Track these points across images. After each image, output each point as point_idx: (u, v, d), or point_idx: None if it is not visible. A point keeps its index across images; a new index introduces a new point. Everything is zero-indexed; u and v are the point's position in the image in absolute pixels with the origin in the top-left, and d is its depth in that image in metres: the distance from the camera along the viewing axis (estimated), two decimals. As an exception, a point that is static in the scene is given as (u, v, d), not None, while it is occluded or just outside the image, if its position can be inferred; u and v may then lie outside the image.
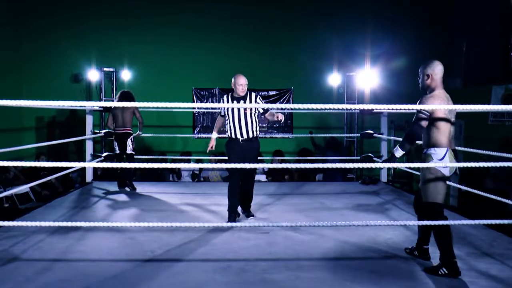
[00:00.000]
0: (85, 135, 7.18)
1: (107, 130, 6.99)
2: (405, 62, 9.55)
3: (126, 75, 9.96)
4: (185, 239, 4.12)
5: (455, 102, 3.38)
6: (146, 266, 3.51)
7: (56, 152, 9.36)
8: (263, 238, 4.20)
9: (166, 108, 5.55)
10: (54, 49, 9.89)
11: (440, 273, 3.27)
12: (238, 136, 4.73)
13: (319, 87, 10.25)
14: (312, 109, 3.06)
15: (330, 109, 6.14)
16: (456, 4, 10.42)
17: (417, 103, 3.39)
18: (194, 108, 9.93)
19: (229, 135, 4.79)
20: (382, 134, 7.37)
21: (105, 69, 9.74)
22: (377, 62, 9.78)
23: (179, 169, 8.91)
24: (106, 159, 7.01)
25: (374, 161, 6.90)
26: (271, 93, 10.33)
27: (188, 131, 10.16)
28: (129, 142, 6.55)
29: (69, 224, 3.34)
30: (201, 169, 8.96)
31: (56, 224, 3.73)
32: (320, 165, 3.33)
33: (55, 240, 4.05)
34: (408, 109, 3.63)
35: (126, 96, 6.51)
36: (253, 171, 5.00)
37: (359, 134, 8.15)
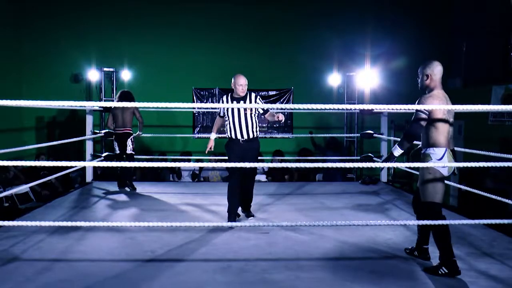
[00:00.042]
0: (85, 135, 7.18)
1: (107, 130, 6.99)
2: (405, 62, 9.55)
3: (126, 75, 9.96)
4: (185, 239, 4.12)
5: (455, 102, 3.38)
6: (146, 266, 3.51)
7: (56, 152, 9.36)
8: (263, 238, 4.20)
9: (166, 108, 5.55)
10: (54, 49, 9.89)
11: (440, 272, 3.27)
12: (239, 136, 4.72)
13: (319, 87, 10.25)
14: (312, 109, 3.06)
15: (330, 109, 6.11)
16: (456, 4, 10.42)
17: (416, 102, 3.41)
18: (194, 108, 9.93)
19: (229, 136, 4.78)
20: (382, 134, 7.37)
21: (105, 69, 9.74)
22: (377, 62, 9.78)
23: (179, 169, 8.91)
24: (106, 159, 7.01)
25: (374, 161, 6.90)
26: (271, 93, 10.33)
27: (188, 131, 10.17)
28: (129, 142, 6.55)
29: (69, 224, 3.34)
30: (201, 169, 8.96)
31: (56, 224, 3.73)
32: (320, 165, 3.33)
33: (55, 240, 4.05)
34: (408, 109, 3.64)
35: (126, 96, 6.51)
36: (254, 171, 4.99)
37: (359, 134, 8.15)
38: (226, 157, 5.00)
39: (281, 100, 10.34)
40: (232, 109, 4.68)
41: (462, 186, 5.50)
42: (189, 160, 9.01)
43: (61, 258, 3.63)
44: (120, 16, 10.02)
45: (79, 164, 3.36)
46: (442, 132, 3.33)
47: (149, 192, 6.39)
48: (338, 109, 8.71)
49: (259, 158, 5.85)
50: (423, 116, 3.31)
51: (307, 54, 10.03)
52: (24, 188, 6.48)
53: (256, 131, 4.80)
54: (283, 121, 4.60)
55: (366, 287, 3.13)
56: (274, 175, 8.84)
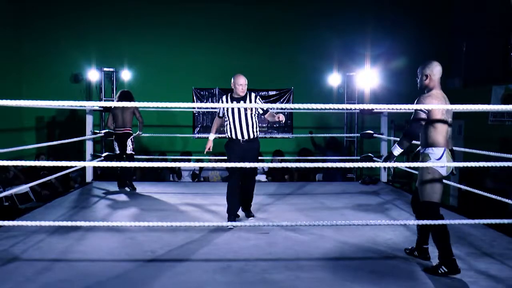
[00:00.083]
0: (85, 135, 7.18)
1: (107, 130, 6.99)
2: (405, 62, 9.55)
3: (126, 75, 9.96)
4: (185, 239, 4.12)
5: (455, 102, 3.39)
6: (146, 266, 3.51)
7: (56, 152, 9.36)
8: (263, 238, 4.20)
9: (166, 108, 5.55)
10: (54, 49, 9.89)
11: (440, 272, 3.27)
12: (239, 136, 4.71)
13: (319, 87, 10.25)
14: (312, 109, 3.06)
15: (330, 109, 6.11)
16: (456, 4, 10.42)
17: (415, 102, 3.43)
18: (194, 108, 9.93)
19: (229, 136, 4.76)
20: (382, 134, 7.37)
21: (105, 69, 9.75)
22: (377, 62, 9.78)
23: (179, 169, 8.91)
24: (106, 159, 7.00)
25: (374, 161, 6.90)
26: (271, 93, 10.33)
27: (188, 131, 10.17)
28: (129, 142, 6.55)
29: (69, 224, 3.34)
30: (201, 169, 8.96)
31: (56, 224, 3.73)
32: (320, 165, 3.33)
33: (55, 240, 4.05)
34: (408, 109, 3.64)
35: (125, 96, 6.50)
36: (254, 171, 4.98)
37: (359, 134, 8.15)
38: (226, 157, 4.99)
39: (281, 100, 10.34)
40: (232, 109, 4.66)
41: (462, 186, 5.50)
42: (189, 160, 9.01)
43: (61, 258, 3.63)
44: (120, 16, 10.03)
45: (79, 164, 3.36)
46: (440, 132, 3.34)
47: (149, 192, 6.39)
48: (338, 109, 8.71)
49: (259, 158, 5.84)
50: (423, 115, 3.33)
51: (307, 54, 10.03)
52: (24, 188, 6.48)
53: (256, 131, 4.79)
54: (283, 121, 4.58)
55: (366, 287, 3.13)
56: (274, 175, 8.84)
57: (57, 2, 10.04)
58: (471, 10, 9.86)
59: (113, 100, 9.12)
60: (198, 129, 10.30)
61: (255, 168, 5.18)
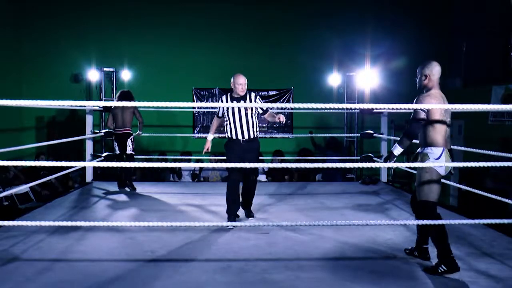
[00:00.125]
0: (85, 135, 7.18)
1: (107, 130, 6.99)
2: (405, 62, 9.55)
3: (126, 75, 9.96)
4: (185, 239, 4.12)
5: (455, 102, 3.39)
6: (146, 266, 3.51)
7: (56, 152, 9.36)
8: (263, 238, 4.20)
9: (166, 108, 5.55)
10: (54, 49, 9.89)
11: (439, 271, 3.28)
12: (239, 136, 4.68)
13: (319, 87, 10.25)
14: (312, 109, 3.06)
15: (330, 109, 6.12)
16: (456, 4, 10.42)
17: (414, 101, 3.46)
18: (194, 108, 9.93)
19: (229, 136, 4.73)
20: (382, 134, 7.37)
21: (105, 69, 9.75)
22: (377, 62, 9.78)
23: (179, 168, 8.91)
24: (106, 159, 7.00)
25: (374, 161, 6.90)
26: (271, 93, 10.33)
27: (188, 131, 10.17)
28: (129, 143, 6.55)
29: (69, 224, 3.34)
30: (201, 169, 8.96)
31: (56, 224, 3.73)
32: (320, 165, 3.33)
33: (55, 240, 4.05)
34: (408, 109, 3.65)
35: (125, 96, 6.50)
36: (255, 170, 4.94)
37: (359, 134, 8.15)
38: (226, 157, 4.97)
39: (281, 100, 10.34)
40: (232, 108, 4.64)
41: (462, 186, 5.50)
42: (189, 160, 9.01)
43: (61, 258, 3.63)
44: (120, 16, 10.03)
45: (79, 164, 3.36)
46: (439, 132, 3.37)
47: (149, 192, 6.39)
48: (338, 109, 8.71)
49: (259, 158, 5.83)
50: (423, 115, 3.35)
51: (307, 54, 10.03)
52: (24, 188, 6.48)
53: (256, 131, 4.77)
54: (284, 122, 4.57)
55: (366, 287, 3.13)
56: (274, 175, 8.84)
57: (57, 2, 10.05)
58: (471, 10, 9.86)
59: (113, 100, 9.12)
60: (198, 129, 10.30)
61: (257, 168, 5.16)
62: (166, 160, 8.92)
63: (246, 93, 4.70)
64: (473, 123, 8.82)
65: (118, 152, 6.61)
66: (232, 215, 4.72)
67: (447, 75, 9.77)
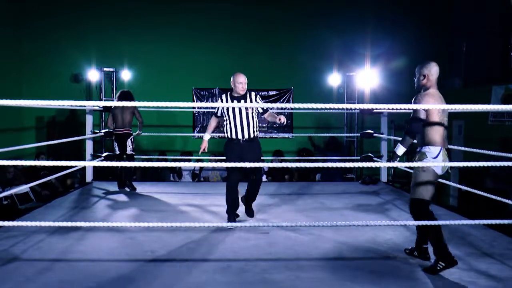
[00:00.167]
0: (85, 135, 7.18)
1: (107, 130, 6.99)
2: (405, 62, 9.56)
3: (126, 75, 9.97)
4: (185, 239, 4.11)
5: (455, 102, 3.40)
6: (146, 266, 3.51)
7: (56, 152, 9.37)
8: (263, 238, 4.20)
9: (166, 108, 5.56)
10: (54, 49, 9.90)
11: (438, 268, 3.30)
12: (239, 136, 4.65)
13: (319, 87, 10.26)
14: (312, 109, 3.06)
15: (330, 109, 6.12)
16: (456, 4, 10.42)
17: (413, 100, 3.48)
18: (194, 108, 9.94)
19: (229, 136, 4.69)
20: (382, 134, 7.37)
21: (105, 69, 9.75)
22: (377, 62, 9.78)
23: (179, 168, 8.92)
24: (106, 160, 7.00)
25: (374, 161, 6.90)
26: (271, 93, 10.33)
27: (188, 131, 10.18)
28: (129, 143, 6.55)
29: (69, 224, 3.34)
30: (201, 169, 8.96)
31: (56, 224, 3.72)
32: (320, 165, 3.33)
33: (55, 240, 4.05)
34: (408, 109, 3.66)
35: (125, 96, 6.49)
36: (257, 171, 4.85)
37: (359, 134, 8.15)
38: (225, 157, 4.92)
39: (281, 100, 10.35)
40: (233, 108, 4.62)
41: (462, 186, 5.50)
42: (189, 160, 9.02)
43: (61, 258, 3.63)
44: (120, 16, 10.03)
45: (79, 164, 3.36)
46: (437, 131, 3.39)
47: (149, 192, 6.39)
48: (338, 109, 8.71)
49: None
50: (423, 113, 3.37)
51: (307, 54, 10.03)
52: (24, 188, 6.48)
53: (257, 131, 4.73)
54: (284, 123, 4.54)
55: (366, 287, 3.13)
56: (274, 175, 8.84)
57: (57, 2, 10.05)
58: (471, 10, 9.87)
59: (113, 100, 9.12)
60: (198, 129, 10.31)
61: (260, 168, 5.06)
62: (166, 160, 8.92)
63: (246, 92, 4.66)
64: (473, 123, 8.82)
65: (118, 152, 6.61)
66: (232, 215, 4.71)
67: (447, 75, 9.81)
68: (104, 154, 7.15)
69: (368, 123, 9.76)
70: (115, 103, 3.30)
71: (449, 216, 4.93)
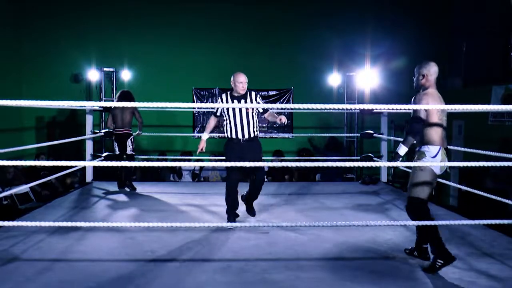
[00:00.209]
0: (85, 135, 7.18)
1: (107, 130, 6.99)
2: (405, 62, 9.56)
3: (126, 75, 9.97)
4: (185, 239, 4.12)
5: (455, 102, 3.40)
6: (146, 266, 3.51)
7: (56, 152, 9.36)
8: (263, 238, 4.20)
9: (166, 108, 5.55)
10: (54, 49, 9.90)
11: (437, 265, 3.31)
12: (240, 136, 4.64)
13: (319, 87, 10.26)
14: (312, 109, 3.06)
15: (330, 109, 6.12)
16: (456, 4, 10.42)
17: (412, 99, 3.50)
18: (194, 108, 9.94)
19: (229, 136, 4.68)
20: (382, 134, 7.37)
21: (105, 69, 9.75)
22: (377, 62, 9.78)
23: (179, 168, 8.92)
24: (106, 160, 6.99)
25: (374, 161, 6.89)
26: (271, 93, 10.33)
27: (188, 131, 10.18)
28: (129, 143, 6.54)
29: (69, 224, 3.34)
30: (201, 169, 8.96)
31: (56, 224, 3.73)
32: (321, 165, 3.33)
33: (55, 240, 4.05)
34: (408, 109, 3.66)
35: (125, 96, 6.49)
36: (262, 170, 4.80)
37: (359, 134, 8.15)
38: (224, 157, 4.90)
39: (281, 100, 10.35)
40: (233, 107, 4.62)
41: (462, 186, 5.50)
42: (189, 160, 9.02)
43: (61, 258, 3.63)
44: (120, 16, 10.03)
45: (79, 164, 3.36)
46: (436, 131, 3.40)
47: (149, 192, 6.39)
48: (338, 109, 8.71)
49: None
50: (423, 112, 3.38)
51: (307, 54, 10.03)
52: (24, 188, 6.48)
53: (257, 130, 4.72)
54: (285, 123, 4.54)
55: (366, 287, 3.13)
56: (274, 175, 8.84)
57: (57, 2, 10.05)
58: (471, 10, 9.87)
59: (113, 100, 9.12)
60: (198, 129, 10.30)
61: (262, 168, 5.01)
62: (166, 160, 8.92)
63: (246, 92, 4.65)
64: (473, 123, 8.82)
65: (117, 152, 6.61)
66: (231, 215, 4.70)
67: (447, 75, 9.81)
68: (104, 154, 7.15)
69: (368, 123, 9.76)
70: (115, 104, 3.29)
71: (449, 216, 4.93)
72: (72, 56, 9.79)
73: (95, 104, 7.41)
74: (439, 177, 3.57)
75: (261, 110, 4.76)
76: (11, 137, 9.16)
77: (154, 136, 9.13)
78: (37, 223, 3.27)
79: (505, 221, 3.35)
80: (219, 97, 4.82)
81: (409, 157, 3.97)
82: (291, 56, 10.10)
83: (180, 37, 10.12)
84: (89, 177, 7.13)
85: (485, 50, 9.36)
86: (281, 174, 8.93)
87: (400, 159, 3.54)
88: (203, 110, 10.16)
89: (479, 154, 4.78)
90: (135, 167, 7.42)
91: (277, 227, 4.43)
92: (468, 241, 4.09)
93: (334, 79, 10.19)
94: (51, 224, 3.66)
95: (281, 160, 8.60)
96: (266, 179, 8.68)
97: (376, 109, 4.78)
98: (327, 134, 9.51)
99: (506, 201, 4.37)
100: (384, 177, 7.41)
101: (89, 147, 7.29)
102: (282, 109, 9.29)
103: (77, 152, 9.45)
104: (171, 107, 4.67)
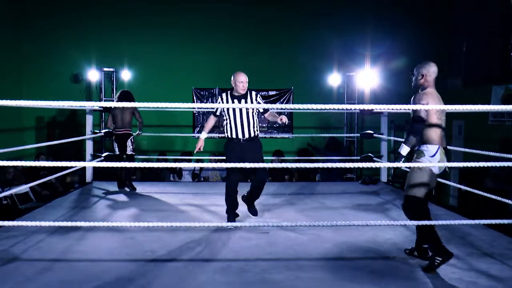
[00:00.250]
0: (85, 135, 7.18)
1: (107, 130, 6.99)
2: (405, 62, 9.56)
3: (126, 75, 9.97)
4: (185, 239, 4.11)
5: (455, 102, 3.41)
6: (146, 266, 3.51)
7: (56, 152, 9.37)
8: (263, 238, 4.20)
9: (166, 108, 5.54)
10: (54, 49, 9.90)
11: (436, 263, 3.32)
12: (240, 135, 4.63)
13: (319, 87, 10.26)
14: (312, 109, 3.06)
15: (330, 109, 6.11)
16: (456, 4, 10.42)
17: (412, 99, 3.50)
18: (194, 108, 9.94)
19: (229, 135, 4.67)
20: (382, 134, 7.36)
21: (105, 69, 9.75)
22: (377, 62, 9.78)
23: (180, 168, 8.92)
24: (106, 160, 6.99)
25: (374, 161, 6.90)
26: (271, 93, 10.33)
27: (188, 131, 10.17)
28: (129, 143, 6.54)
29: (69, 224, 3.34)
30: (201, 169, 8.96)
31: (56, 224, 3.73)
32: (321, 165, 3.33)
33: (55, 240, 4.05)
34: (408, 109, 3.66)
35: (125, 96, 6.49)
36: (264, 169, 4.73)
37: (359, 134, 8.15)
38: (224, 157, 4.90)
39: (281, 100, 10.35)
40: (233, 107, 4.61)
41: (462, 186, 5.50)
42: (189, 160, 9.02)
43: (61, 258, 3.63)
44: (120, 16, 10.03)
45: (79, 164, 3.36)
46: (435, 130, 3.41)
47: (149, 192, 6.39)
48: (338, 109, 8.72)
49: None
50: (424, 112, 3.38)
51: (307, 54, 10.04)
52: (24, 188, 6.48)
53: (257, 130, 4.71)
54: (286, 123, 4.53)
55: (366, 287, 3.13)
56: (274, 175, 8.84)
57: (57, 2, 10.05)
58: (471, 10, 9.87)
59: (113, 100, 9.12)
60: (198, 129, 10.30)
61: (264, 168, 4.96)
62: (166, 160, 8.92)
63: (246, 92, 4.64)
64: (473, 123, 8.82)
65: (117, 152, 6.61)
66: (231, 215, 4.70)
67: (447, 75, 9.81)
68: (104, 154, 7.15)
69: (368, 123, 9.76)
70: (115, 104, 3.29)
71: (449, 216, 4.93)
72: (72, 56, 9.79)
73: (95, 104, 7.42)
74: (439, 176, 3.57)
75: (261, 110, 4.75)
76: (11, 137, 9.16)
77: (154, 136, 9.13)
78: (37, 223, 3.28)
79: (505, 221, 3.35)
80: (219, 97, 4.80)
81: (409, 156, 3.97)
82: (291, 56, 10.10)
83: (180, 37, 10.12)
84: (89, 177, 7.13)
85: (485, 50, 9.36)
86: (281, 174, 8.93)
87: (403, 159, 3.54)
88: (203, 110, 10.16)
89: (479, 154, 4.78)
90: (135, 167, 7.41)
91: (277, 227, 4.43)
92: (468, 241, 4.09)
93: (334, 79, 10.19)
94: (51, 224, 3.66)
95: (281, 160, 8.61)
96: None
97: (376, 109, 4.78)
98: (327, 134, 9.51)
99: (506, 201, 4.37)
100: (384, 177, 7.41)
101: (89, 147, 7.29)
102: (282, 109, 9.29)
103: (77, 152, 9.45)
104: (171, 107, 4.66)
